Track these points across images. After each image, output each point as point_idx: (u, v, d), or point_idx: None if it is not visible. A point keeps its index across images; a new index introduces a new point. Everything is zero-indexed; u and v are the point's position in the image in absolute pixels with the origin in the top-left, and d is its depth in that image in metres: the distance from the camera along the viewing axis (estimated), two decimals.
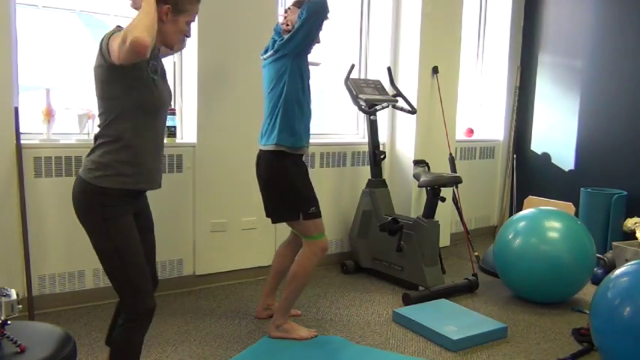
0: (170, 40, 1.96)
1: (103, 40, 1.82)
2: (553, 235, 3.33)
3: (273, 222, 2.89)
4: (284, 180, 2.76)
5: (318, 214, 2.79)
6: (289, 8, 2.87)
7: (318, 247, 2.79)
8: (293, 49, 2.70)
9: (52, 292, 3.02)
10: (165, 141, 3.27)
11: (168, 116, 3.35)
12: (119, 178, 1.84)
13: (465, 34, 4.66)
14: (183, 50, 3.48)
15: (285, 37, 2.74)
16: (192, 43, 3.37)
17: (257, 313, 3.10)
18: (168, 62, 3.52)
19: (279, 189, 2.78)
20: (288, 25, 2.81)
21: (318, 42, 2.81)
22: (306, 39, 2.70)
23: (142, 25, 1.69)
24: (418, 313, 3.07)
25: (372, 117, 3.91)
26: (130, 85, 1.83)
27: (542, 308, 3.37)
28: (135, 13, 1.82)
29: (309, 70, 2.83)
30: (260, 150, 2.83)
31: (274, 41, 2.82)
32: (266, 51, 2.86)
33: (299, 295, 2.86)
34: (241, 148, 3.55)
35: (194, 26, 3.31)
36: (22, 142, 2.85)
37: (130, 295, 1.88)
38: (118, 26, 1.87)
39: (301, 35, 2.67)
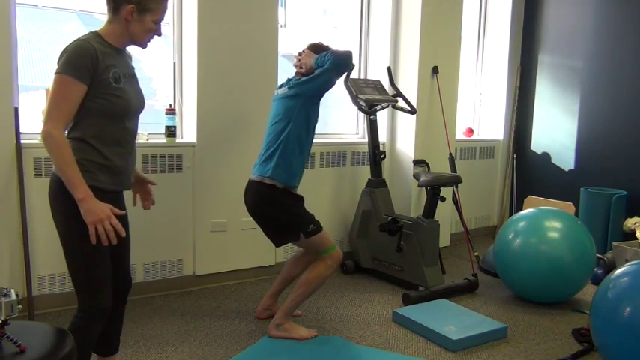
0: (139, 40, 1.95)
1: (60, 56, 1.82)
2: (553, 235, 3.33)
3: (276, 245, 2.89)
4: (274, 206, 2.76)
5: (318, 230, 2.78)
6: (304, 51, 2.92)
7: (333, 259, 2.79)
8: (307, 91, 2.76)
9: (52, 292, 3.02)
10: (164, 141, 3.33)
11: (167, 116, 3.38)
12: (87, 175, 1.84)
13: (465, 34, 4.66)
14: (183, 50, 3.49)
15: (302, 78, 2.80)
16: (192, 43, 3.37)
17: (257, 313, 3.10)
18: (168, 62, 3.53)
19: (272, 214, 2.78)
20: (301, 67, 2.87)
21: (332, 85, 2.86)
22: (323, 86, 2.79)
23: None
24: (418, 313, 3.07)
25: (372, 117, 3.91)
26: (93, 94, 1.83)
27: (542, 308, 3.37)
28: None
29: (317, 115, 2.86)
30: (250, 180, 2.82)
31: (289, 79, 2.89)
32: (280, 87, 2.92)
33: (306, 299, 2.87)
34: (241, 148, 3.55)
35: (194, 26, 3.33)
36: (22, 142, 2.85)
37: (86, 293, 1.89)
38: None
39: (319, 82, 2.76)
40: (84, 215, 1.78)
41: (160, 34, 1.99)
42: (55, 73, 1.80)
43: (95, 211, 1.78)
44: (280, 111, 2.80)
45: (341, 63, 2.77)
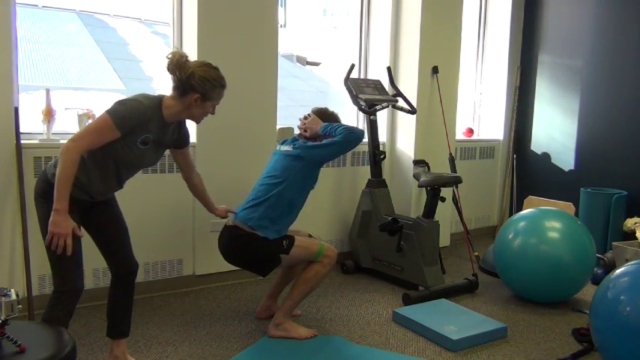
0: (196, 120, 2.27)
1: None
2: (553, 235, 3.33)
3: (264, 275, 2.85)
4: (248, 247, 2.73)
5: (292, 240, 2.74)
6: (309, 115, 2.95)
7: (329, 257, 2.78)
8: (312, 157, 2.79)
9: (52, 292, 3.01)
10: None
11: None
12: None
13: (465, 34, 4.66)
14: (183, 50, 3.49)
15: (309, 142, 2.82)
16: (192, 43, 3.37)
17: (257, 313, 3.10)
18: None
19: (247, 254, 2.76)
20: (306, 131, 2.91)
21: None
22: (328, 157, 2.87)
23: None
24: (418, 313, 3.07)
25: (372, 117, 3.91)
26: (113, 142, 2.06)
27: (542, 308, 3.37)
28: None
29: (315, 181, 2.88)
30: (226, 226, 2.79)
31: (294, 139, 2.92)
32: (284, 142, 2.94)
33: (305, 297, 2.86)
34: (241, 148, 3.55)
35: (194, 26, 3.33)
36: (22, 142, 2.85)
37: (58, 274, 2.08)
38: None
39: (326, 152, 2.80)
40: (50, 223, 1.97)
41: (213, 114, 2.31)
42: (106, 111, 2.04)
43: (60, 225, 1.96)
44: (278, 167, 2.80)
45: (352, 140, 2.80)
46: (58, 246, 1.97)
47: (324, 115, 2.96)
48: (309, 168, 2.80)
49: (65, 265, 2.06)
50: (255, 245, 2.70)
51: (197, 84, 2.12)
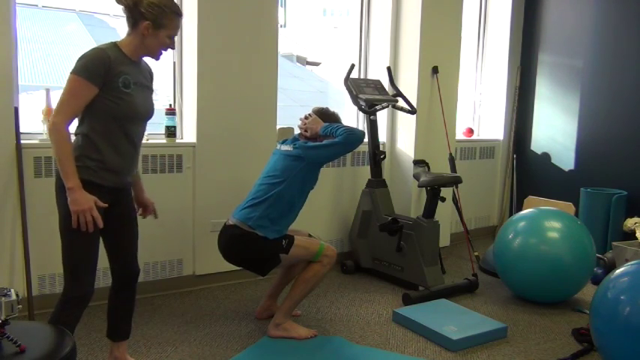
0: (153, 53, 2.13)
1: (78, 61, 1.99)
2: (553, 235, 3.33)
3: (262, 275, 2.84)
4: (248, 246, 2.72)
5: (292, 240, 2.74)
6: (310, 115, 2.96)
7: (328, 257, 2.78)
8: (312, 158, 2.78)
9: (52, 292, 3.01)
10: (164, 141, 3.33)
11: (167, 116, 3.39)
12: (86, 170, 2.00)
13: (465, 34, 4.66)
14: (183, 50, 3.49)
15: (309, 142, 2.82)
16: (192, 43, 3.37)
17: (257, 313, 3.10)
18: (167, 62, 3.53)
19: (246, 254, 2.75)
20: (306, 131, 2.91)
21: None
22: (329, 157, 2.87)
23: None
24: (418, 313, 3.07)
25: (372, 117, 3.91)
26: (102, 96, 2.00)
27: (542, 308, 3.37)
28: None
29: (315, 181, 2.88)
30: (226, 225, 2.78)
31: (295, 139, 2.91)
32: (284, 142, 2.94)
33: (305, 297, 2.86)
34: (241, 148, 3.55)
35: (194, 26, 3.33)
36: (22, 142, 2.85)
37: (69, 278, 2.05)
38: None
39: (327, 153, 2.80)
40: (70, 203, 1.94)
41: (173, 48, 2.22)
42: (70, 73, 1.97)
43: (79, 201, 1.93)
44: (278, 167, 2.79)
45: (353, 141, 2.80)
46: (87, 223, 1.94)
47: (325, 115, 2.96)
48: (309, 168, 2.80)
49: (81, 268, 2.04)
50: (255, 245, 2.70)
51: (145, 10, 2.03)
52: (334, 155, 2.90)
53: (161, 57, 2.17)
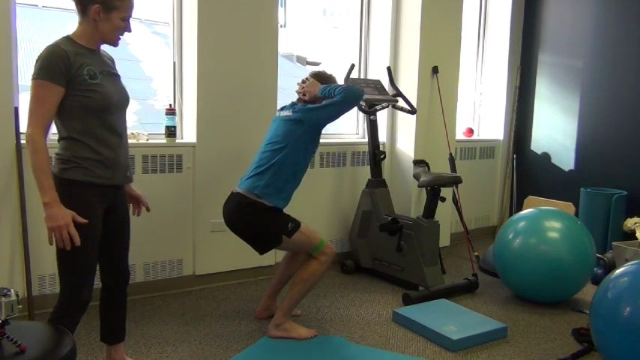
0: (110, 38, 2.01)
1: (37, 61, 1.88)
2: (553, 235, 3.33)
3: (260, 253, 2.83)
4: (254, 216, 2.71)
5: (297, 225, 2.74)
6: (308, 79, 2.94)
7: (327, 255, 2.77)
8: (312, 120, 2.76)
9: (52, 292, 3.01)
10: (164, 141, 3.33)
11: (167, 116, 3.38)
12: (81, 170, 1.94)
13: (465, 34, 4.66)
14: (183, 50, 3.49)
15: (309, 105, 2.79)
16: (192, 43, 3.37)
17: (257, 313, 3.10)
18: (168, 63, 3.53)
19: (250, 224, 2.74)
20: (305, 95, 2.88)
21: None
22: (329, 118, 2.80)
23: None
24: (418, 313, 3.07)
25: (372, 117, 3.91)
26: (71, 94, 1.90)
27: (542, 308, 3.37)
28: None
29: (317, 145, 2.86)
30: (233, 192, 2.77)
31: (293, 104, 2.89)
32: (282, 109, 2.92)
33: (304, 297, 2.86)
34: (241, 148, 3.55)
35: (194, 26, 3.33)
36: (22, 142, 2.85)
37: (68, 284, 1.99)
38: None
39: (326, 113, 2.76)
40: (45, 219, 1.85)
41: (129, 31, 2.04)
42: (32, 79, 1.87)
43: (55, 217, 1.84)
44: (279, 133, 2.78)
45: (351, 99, 2.77)
46: (64, 240, 1.84)
47: (322, 77, 2.93)
48: (310, 131, 2.77)
49: (78, 275, 1.98)
50: (261, 215, 2.69)
51: None
52: (334, 115, 2.81)
53: (119, 43, 2.04)
